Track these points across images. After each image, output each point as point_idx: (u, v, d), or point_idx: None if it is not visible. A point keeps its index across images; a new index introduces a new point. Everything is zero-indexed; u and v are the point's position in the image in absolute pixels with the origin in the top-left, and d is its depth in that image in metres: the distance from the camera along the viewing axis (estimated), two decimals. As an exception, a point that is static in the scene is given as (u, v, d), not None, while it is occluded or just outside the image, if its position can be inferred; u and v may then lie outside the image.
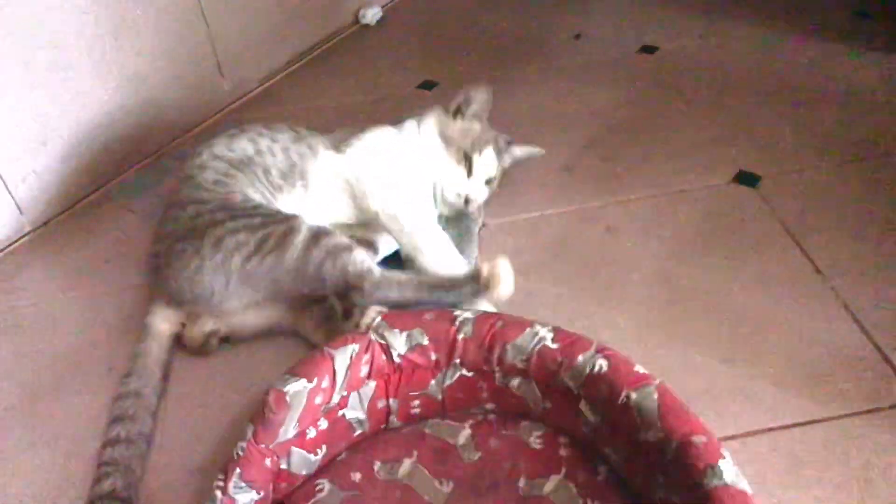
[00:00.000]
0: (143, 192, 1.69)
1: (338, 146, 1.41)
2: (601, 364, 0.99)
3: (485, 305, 1.19)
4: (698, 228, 1.43)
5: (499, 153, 1.47)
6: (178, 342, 1.28)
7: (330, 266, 1.17)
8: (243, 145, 1.37)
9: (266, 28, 2.03)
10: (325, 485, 1.01)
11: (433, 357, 1.06)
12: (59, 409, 1.22)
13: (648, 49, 2.08)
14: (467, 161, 1.42)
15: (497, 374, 1.06)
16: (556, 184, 1.59)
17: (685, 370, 1.15)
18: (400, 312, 1.12)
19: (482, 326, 1.06)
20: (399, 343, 1.06)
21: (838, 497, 0.96)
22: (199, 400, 1.21)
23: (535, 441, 1.04)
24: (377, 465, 1.03)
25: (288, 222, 1.21)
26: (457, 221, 1.45)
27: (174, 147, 1.85)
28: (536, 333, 1.04)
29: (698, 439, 0.88)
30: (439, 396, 1.08)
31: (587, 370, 0.99)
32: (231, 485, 0.91)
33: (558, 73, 2.02)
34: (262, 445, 0.94)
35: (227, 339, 1.28)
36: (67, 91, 1.59)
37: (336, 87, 2.08)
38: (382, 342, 1.06)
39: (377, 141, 1.42)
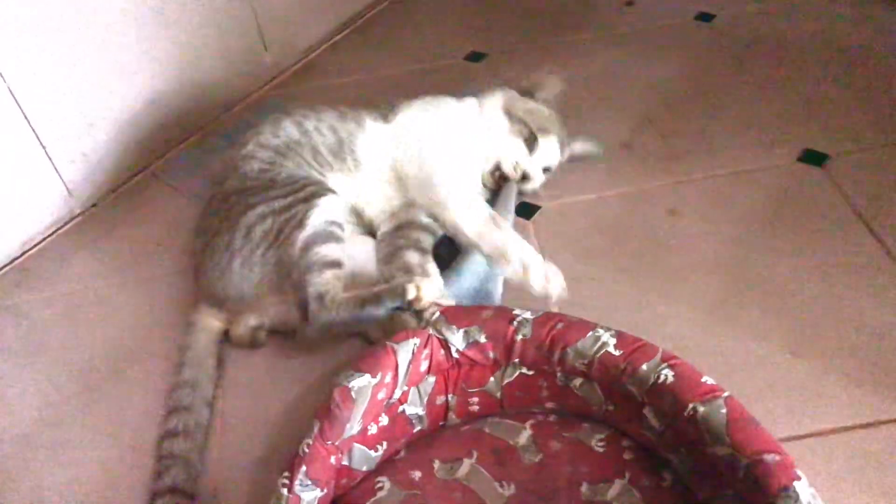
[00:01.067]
0: (188, 171, 1.69)
1: (386, 115, 1.41)
2: (666, 374, 0.96)
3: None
4: (763, 211, 1.39)
5: (562, 145, 1.45)
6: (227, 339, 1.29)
7: (304, 279, 1.18)
8: (288, 129, 1.37)
9: None
10: (385, 483, 1.01)
11: (491, 355, 1.06)
12: (116, 398, 1.25)
13: (705, 16, 2.00)
14: (532, 139, 1.40)
15: (558, 374, 1.05)
16: (615, 163, 1.56)
17: (749, 363, 1.13)
18: (458, 308, 1.11)
19: (541, 328, 1.04)
20: (457, 339, 1.06)
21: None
22: (255, 390, 1.23)
23: (597, 444, 1.03)
24: (436, 465, 1.03)
25: (307, 205, 1.23)
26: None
27: (218, 124, 1.84)
28: (598, 338, 1.01)
29: (770, 458, 0.85)
30: (498, 394, 1.08)
31: (651, 379, 0.96)
32: (297, 483, 0.91)
33: (609, 43, 1.96)
34: (329, 443, 0.95)
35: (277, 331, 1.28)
36: (113, 71, 1.59)
37: (379, 58, 2.05)
38: (441, 337, 1.06)
39: (430, 106, 1.43)
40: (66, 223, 1.61)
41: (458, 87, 1.55)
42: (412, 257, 1.26)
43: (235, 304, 1.25)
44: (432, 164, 1.33)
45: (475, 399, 1.08)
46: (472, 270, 1.26)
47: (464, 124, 1.41)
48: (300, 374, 1.22)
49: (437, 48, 2.05)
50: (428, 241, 1.31)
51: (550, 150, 1.42)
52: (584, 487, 0.98)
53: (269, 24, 1.90)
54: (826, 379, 1.09)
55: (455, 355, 1.06)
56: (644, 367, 0.97)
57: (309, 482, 0.92)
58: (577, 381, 1.04)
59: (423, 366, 1.05)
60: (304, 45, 2.05)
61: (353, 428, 0.98)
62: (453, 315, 1.08)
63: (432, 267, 1.26)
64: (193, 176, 1.65)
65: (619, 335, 1.01)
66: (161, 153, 1.74)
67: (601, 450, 1.02)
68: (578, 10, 2.14)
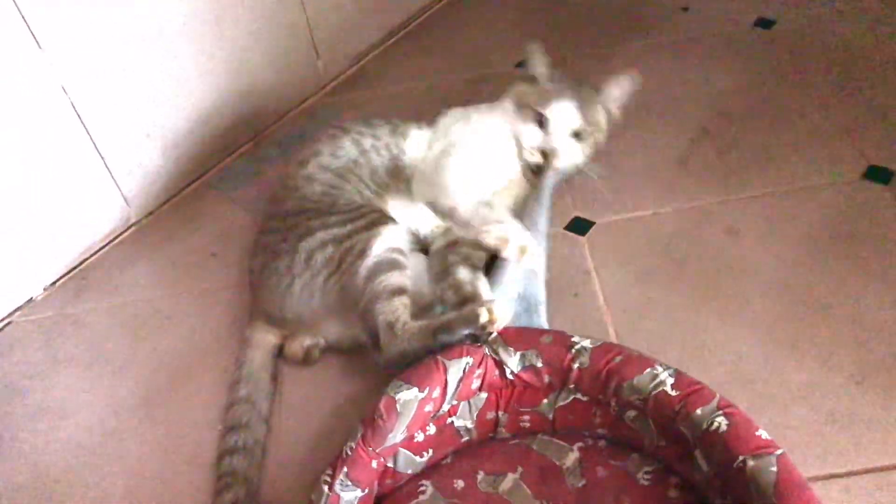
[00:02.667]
0: (242, 180, 1.75)
1: (431, 121, 1.46)
2: (720, 422, 0.96)
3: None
4: (826, 231, 1.37)
5: (582, 102, 1.38)
6: (281, 355, 1.34)
7: (370, 307, 1.20)
8: (347, 148, 1.40)
9: (360, 4, 2.03)
10: (427, 487, 1.06)
11: (546, 379, 1.09)
12: (173, 411, 1.30)
13: (765, 23, 1.95)
14: (539, 117, 1.36)
15: (612, 404, 1.07)
16: (668, 178, 1.55)
17: (811, 392, 1.12)
18: (517, 330, 1.14)
19: (599, 359, 1.06)
20: (513, 361, 1.09)
21: None
22: (310, 405, 1.27)
23: (643, 477, 1.04)
24: (480, 476, 1.06)
25: (369, 234, 1.25)
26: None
27: (271, 132, 1.89)
28: (656, 376, 1.02)
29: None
30: (550, 415, 1.11)
31: (704, 425, 0.97)
32: (337, 482, 0.96)
33: (663, 50, 1.93)
34: (370, 449, 0.99)
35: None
36: (170, 82, 1.64)
37: (430, 65, 2.06)
38: (496, 357, 1.09)
39: (467, 112, 1.45)
40: (123, 232, 1.67)
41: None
42: (463, 274, 1.28)
43: (292, 325, 1.30)
44: (445, 165, 1.36)
45: (526, 417, 1.11)
46: (512, 277, 1.28)
47: (494, 130, 1.42)
48: (354, 389, 1.27)
49: (488, 55, 2.06)
50: (478, 257, 1.33)
51: (565, 114, 1.36)
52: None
53: (321, 32, 1.94)
54: (893, 410, 1.08)
55: (510, 377, 1.09)
56: (699, 411, 0.97)
57: (349, 483, 0.97)
58: (631, 414, 1.06)
59: (476, 384, 1.08)
60: (356, 52, 2.08)
61: (397, 437, 1.02)
62: (511, 337, 1.11)
63: (483, 284, 1.27)
64: (247, 185, 1.70)
65: (678, 375, 1.02)
66: (215, 163, 1.80)
67: (647, 483, 1.04)
68: (631, 17, 2.10)
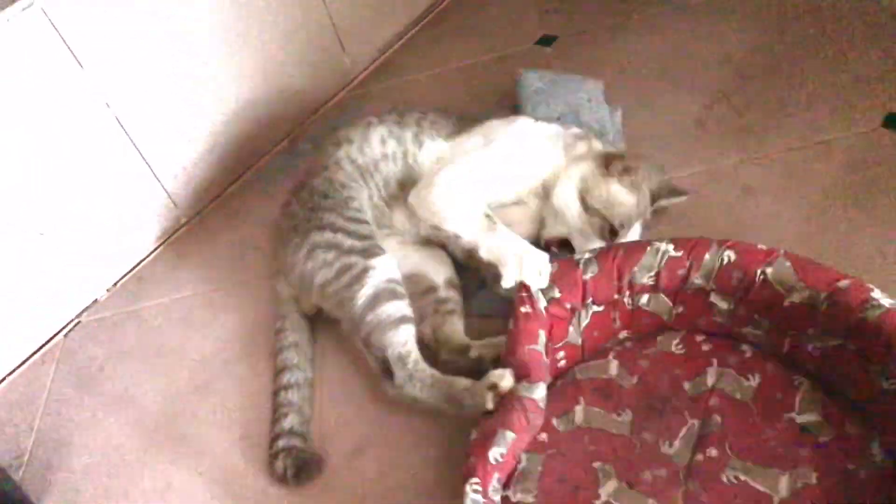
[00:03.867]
0: (280, 176, 1.87)
1: (450, 135, 1.47)
2: (728, 255, 1.12)
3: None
4: (843, 185, 1.40)
5: (646, 227, 1.38)
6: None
7: (377, 338, 1.26)
8: (374, 146, 1.48)
9: None
10: (521, 456, 1.12)
11: (568, 306, 1.19)
12: (225, 394, 1.44)
13: (778, -22, 1.97)
14: (610, 233, 1.32)
15: (627, 299, 1.19)
16: (687, 141, 1.60)
17: None
18: None
19: (605, 261, 1.18)
20: (541, 300, 1.18)
21: None
22: (350, 378, 1.39)
23: (676, 348, 1.19)
24: (555, 422, 1.16)
25: (366, 262, 1.30)
26: None
27: (304, 128, 2.02)
28: (658, 249, 1.16)
29: (844, 283, 1.03)
30: (579, 341, 1.21)
31: (717, 264, 1.12)
32: (490, 488, 0.99)
33: (679, 16, 1.99)
34: (518, 450, 1.05)
35: None
36: (205, 89, 1.79)
37: (454, 49, 2.16)
38: (545, 305, 1.18)
39: (501, 125, 1.45)
40: (174, 233, 1.83)
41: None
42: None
43: (299, 289, 1.42)
44: (442, 170, 1.39)
45: (561, 353, 1.21)
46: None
47: (523, 154, 1.40)
48: None
49: (509, 34, 2.14)
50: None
51: (631, 235, 1.34)
52: (686, 385, 1.14)
53: (346, 27, 2.06)
54: None
55: (543, 312, 1.17)
56: (707, 256, 1.13)
57: (498, 486, 1.02)
58: (645, 298, 1.19)
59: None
60: (381, 44, 2.20)
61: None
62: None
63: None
64: (284, 181, 1.81)
65: (675, 240, 1.16)
66: (254, 161, 1.93)
67: (682, 351, 1.19)
68: (649, -18, 2.15)
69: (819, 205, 1.37)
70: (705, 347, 1.17)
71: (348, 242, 1.34)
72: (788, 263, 1.07)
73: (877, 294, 1.00)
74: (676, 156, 1.56)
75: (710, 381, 1.12)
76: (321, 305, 1.39)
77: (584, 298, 1.18)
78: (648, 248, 1.16)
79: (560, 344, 1.20)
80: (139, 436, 1.40)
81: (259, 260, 1.66)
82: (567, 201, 1.35)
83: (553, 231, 1.38)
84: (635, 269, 1.16)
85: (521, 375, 1.08)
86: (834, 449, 1.01)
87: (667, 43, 1.88)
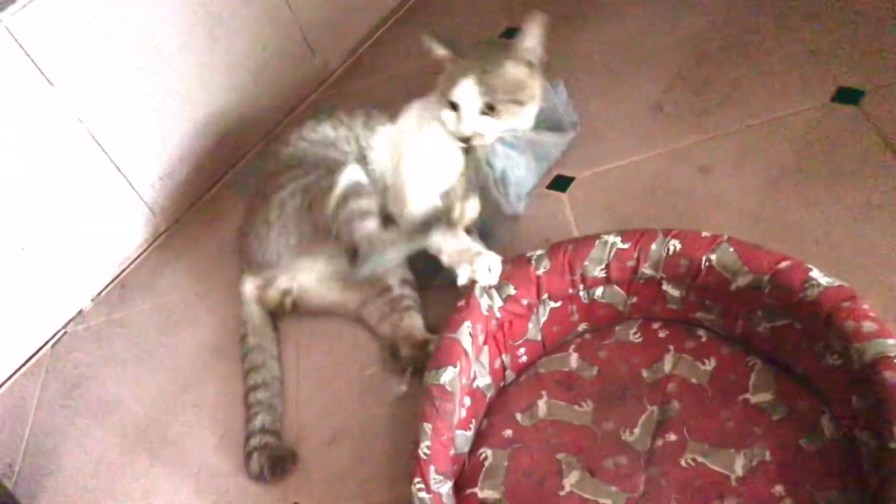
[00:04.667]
0: (254, 179, 1.81)
1: (392, 116, 1.50)
2: (674, 244, 1.12)
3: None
4: (796, 158, 1.38)
5: (487, 73, 1.33)
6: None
7: (345, 230, 1.30)
8: (326, 129, 1.50)
9: None
10: (486, 452, 1.14)
11: (525, 302, 1.19)
12: (207, 394, 1.45)
13: (732, -44, 1.93)
14: (451, 104, 1.36)
15: (582, 293, 1.19)
16: (645, 125, 1.58)
17: None
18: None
19: (556, 255, 1.18)
20: (496, 299, 1.19)
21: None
22: (327, 373, 1.40)
23: (634, 337, 1.19)
24: (519, 417, 1.16)
25: (332, 175, 1.34)
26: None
27: (279, 131, 1.99)
28: (606, 242, 1.16)
29: (784, 265, 1.03)
30: (539, 337, 1.22)
31: (663, 254, 1.13)
32: (431, 482, 1.00)
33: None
34: (444, 437, 1.04)
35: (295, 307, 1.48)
36: (176, 98, 1.78)
37: (422, 46, 2.08)
38: (490, 304, 1.18)
39: (421, 108, 1.47)
40: (154, 240, 1.83)
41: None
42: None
43: (271, 269, 1.43)
44: (406, 175, 1.41)
45: (522, 350, 1.22)
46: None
47: (431, 124, 1.44)
48: (364, 357, 1.38)
49: (476, 27, 2.11)
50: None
51: (466, 95, 1.33)
52: (644, 373, 1.14)
53: (314, 29, 2.04)
54: None
55: (498, 315, 1.18)
56: (654, 246, 1.13)
57: (440, 477, 1.02)
58: (599, 291, 1.19)
59: (481, 339, 1.17)
60: (351, 44, 2.18)
61: (456, 416, 1.09)
62: None
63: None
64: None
65: (622, 233, 1.16)
66: (230, 166, 1.92)
67: (639, 339, 1.19)
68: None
69: (773, 181, 1.36)
70: (662, 334, 1.18)
71: (312, 176, 1.37)
72: (731, 249, 1.08)
73: (815, 273, 1.01)
74: (636, 140, 1.55)
75: (667, 367, 1.13)
76: (297, 257, 1.39)
77: (539, 294, 1.19)
78: (597, 242, 1.17)
79: (520, 340, 1.20)
80: (126, 440, 1.41)
81: (237, 262, 1.64)
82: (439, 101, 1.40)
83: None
84: (586, 262, 1.17)
85: (434, 363, 1.09)
86: (786, 425, 1.01)
87: (625, 29, 1.85)
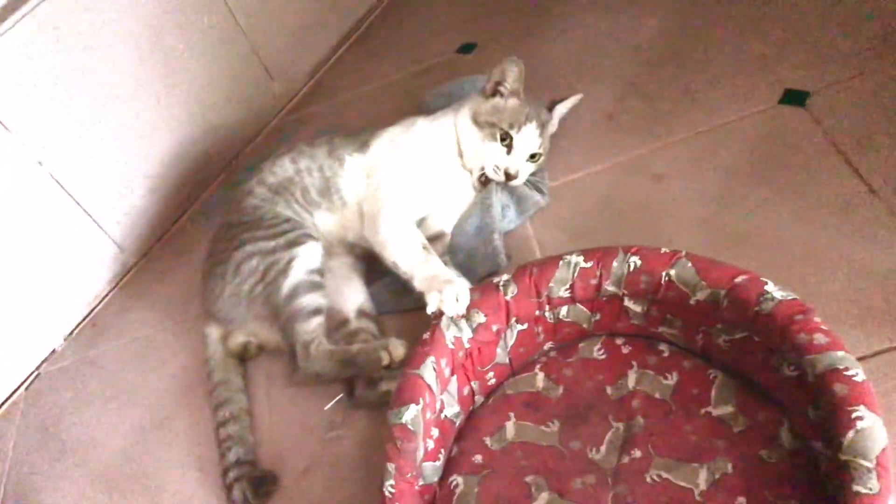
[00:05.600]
0: (222, 209, 1.76)
1: (363, 144, 1.48)
2: (634, 261, 1.10)
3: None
4: (745, 162, 1.37)
5: (542, 127, 1.44)
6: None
7: (289, 326, 1.30)
8: (286, 166, 1.48)
9: (304, 22, 2.12)
10: (457, 479, 1.11)
11: (494, 328, 1.17)
12: (181, 429, 1.40)
13: (684, -37, 1.92)
14: (506, 138, 1.41)
15: (548, 314, 1.17)
16: (599, 135, 1.57)
17: None
18: None
19: (522, 279, 1.16)
20: (466, 330, 1.16)
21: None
22: (299, 403, 1.35)
23: (598, 354, 1.17)
24: (488, 441, 1.14)
25: (290, 253, 1.32)
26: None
27: (241, 160, 1.97)
28: (570, 262, 1.14)
29: (741, 279, 1.02)
30: (507, 360, 1.19)
31: (624, 271, 1.11)
32: None
33: (594, 9, 1.94)
34: (408, 475, 1.02)
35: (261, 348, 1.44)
36: (135, 135, 1.74)
37: (381, 65, 2.12)
38: (458, 336, 1.14)
39: (400, 135, 1.47)
40: (123, 276, 1.79)
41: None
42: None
43: (227, 324, 1.41)
44: (383, 202, 1.38)
45: (491, 374, 1.19)
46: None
47: (434, 147, 1.45)
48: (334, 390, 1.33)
49: (431, 46, 2.12)
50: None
51: (530, 139, 1.41)
52: (609, 390, 1.12)
53: (271, 56, 2.02)
54: None
55: (467, 345, 1.15)
56: (615, 264, 1.12)
57: None
58: (564, 310, 1.17)
59: (447, 372, 1.14)
60: (309, 68, 2.16)
61: (420, 453, 1.06)
62: None
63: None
64: (223, 212, 1.73)
65: (584, 252, 1.15)
66: (195, 198, 1.89)
67: (603, 356, 1.17)
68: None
69: (724, 186, 1.35)
70: (625, 350, 1.17)
71: (271, 244, 1.34)
72: (690, 264, 1.07)
73: (770, 287, 1.00)
74: (591, 152, 1.53)
75: (631, 383, 1.12)
76: (252, 319, 1.36)
77: (508, 319, 1.17)
78: (560, 262, 1.15)
79: (489, 366, 1.18)
80: (104, 479, 1.37)
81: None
82: (467, 128, 1.43)
83: (469, 164, 1.45)
84: (551, 284, 1.15)
85: (397, 402, 1.06)
86: (747, 438, 1.00)
87: (578, 40, 1.84)
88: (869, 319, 1.07)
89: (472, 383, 1.17)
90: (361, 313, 1.38)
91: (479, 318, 1.15)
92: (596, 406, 1.11)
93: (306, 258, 1.33)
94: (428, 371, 1.09)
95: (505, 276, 1.17)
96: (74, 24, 1.55)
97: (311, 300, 1.31)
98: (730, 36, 1.64)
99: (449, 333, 1.13)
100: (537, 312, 1.16)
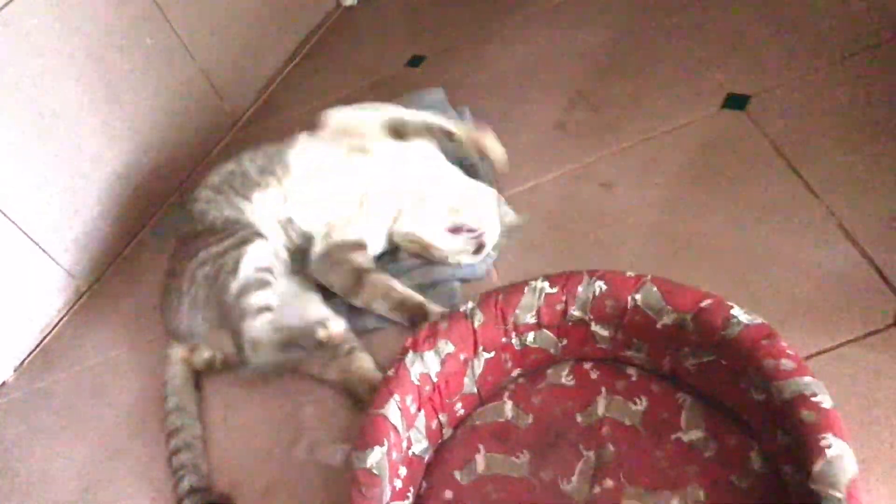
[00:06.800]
0: (171, 231, 1.63)
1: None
2: (599, 286, 1.02)
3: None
4: (691, 167, 1.30)
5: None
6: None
7: (238, 324, 1.21)
8: (227, 165, 1.38)
9: (250, 39, 1.99)
10: None
11: (462, 358, 1.07)
12: (138, 456, 1.27)
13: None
14: (478, 243, 1.28)
15: (514, 340, 1.08)
16: (549, 146, 1.49)
17: None
18: (423, 335, 1.06)
19: (488, 307, 1.07)
20: (433, 363, 1.04)
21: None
22: (253, 424, 1.25)
23: (566, 379, 1.09)
24: (458, 475, 1.04)
25: (238, 252, 1.23)
26: None
27: (192, 180, 1.80)
28: (535, 287, 1.06)
29: (706, 303, 0.95)
30: (475, 389, 1.10)
31: (589, 295, 1.03)
32: None
33: (541, 20, 1.86)
34: None
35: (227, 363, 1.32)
36: (84, 159, 1.60)
37: (331, 80, 2.01)
38: (424, 371, 1.03)
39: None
40: (75, 302, 1.65)
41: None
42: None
43: (190, 340, 1.31)
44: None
45: (459, 405, 1.10)
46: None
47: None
48: (290, 407, 1.23)
49: (381, 59, 2.02)
50: (362, 259, 1.29)
51: (492, 240, 1.28)
52: (578, 418, 1.04)
53: (219, 74, 1.90)
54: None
55: (435, 379, 1.05)
56: (580, 289, 1.04)
57: None
58: (531, 336, 1.08)
59: (413, 408, 1.04)
60: (259, 85, 2.04)
61: (386, 496, 0.95)
62: (420, 343, 1.05)
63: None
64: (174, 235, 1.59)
65: (549, 277, 1.07)
66: (146, 220, 1.74)
67: (572, 382, 1.08)
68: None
69: (671, 191, 1.28)
70: (594, 375, 1.08)
71: (223, 245, 1.25)
72: (655, 289, 0.99)
73: (736, 311, 0.93)
74: (540, 161, 1.45)
75: (600, 410, 1.03)
76: (211, 329, 1.24)
77: (475, 348, 1.07)
78: (526, 289, 1.06)
79: (456, 396, 1.08)
80: None
81: (160, 318, 1.45)
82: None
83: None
84: (517, 310, 1.06)
85: (361, 444, 0.95)
86: (718, 462, 0.93)
87: (525, 52, 1.77)
88: (811, 319, 1.02)
89: (440, 416, 1.07)
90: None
91: (448, 348, 1.05)
92: (566, 434, 1.02)
93: (254, 255, 1.25)
94: (392, 410, 0.98)
95: (470, 304, 1.08)
96: (14, 47, 1.41)
97: (258, 298, 1.22)
98: (673, 43, 1.58)
99: (414, 370, 1.03)
100: (504, 340, 1.08)
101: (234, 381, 1.30)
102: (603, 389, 1.05)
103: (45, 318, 1.57)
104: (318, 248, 1.31)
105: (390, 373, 1.03)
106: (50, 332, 1.58)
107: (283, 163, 1.34)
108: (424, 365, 1.03)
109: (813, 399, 0.82)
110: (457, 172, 1.37)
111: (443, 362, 1.05)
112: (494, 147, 1.34)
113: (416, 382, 1.03)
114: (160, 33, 1.70)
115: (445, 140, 1.38)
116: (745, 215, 1.19)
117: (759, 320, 0.92)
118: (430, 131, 1.38)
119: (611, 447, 0.98)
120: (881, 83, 1.28)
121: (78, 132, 1.56)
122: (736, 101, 1.37)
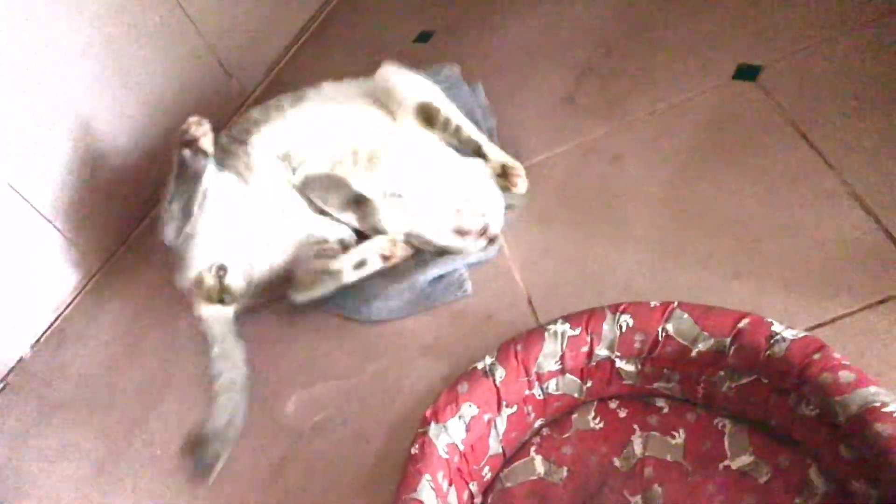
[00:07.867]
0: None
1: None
2: (626, 320, 0.89)
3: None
4: (702, 139, 1.17)
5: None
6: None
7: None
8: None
9: (259, 17, 1.78)
10: None
11: (486, 419, 0.91)
12: (157, 430, 1.25)
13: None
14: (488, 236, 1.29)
15: (536, 391, 0.92)
16: (558, 119, 1.33)
17: (697, 293, 0.97)
18: (443, 402, 0.96)
19: (508, 359, 0.93)
20: (458, 431, 0.91)
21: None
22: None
23: (595, 423, 0.93)
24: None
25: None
26: None
27: None
28: (556, 332, 0.92)
29: (744, 323, 0.83)
30: (500, 449, 0.94)
31: (616, 333, 0.89)
32: None
33: None
34: None
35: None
36: (95, 137, 1.49)
37: (339, 58, 1.84)
38: (450, 442, 0.91)
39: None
40: (89, 280, 1.51)
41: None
42: None
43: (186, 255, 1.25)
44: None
45: (486, 468, 0.94)
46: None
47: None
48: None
49: (389, 35, 1.80)
50: None
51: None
52: (616, 462, 0.89)
53: (227, 53, 1.69)
54: (767, 296, 0.96)
55: (461, 447, 0.90)
56: (605, 326, 0.90)
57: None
58: (553, 384, 0.93)
59: (444, 485, 0.91)
60: (267, 63, 1.84)
61: None
62: (441, 412, 0.93)
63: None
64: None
65: (569, 317, 0.92)
66: (155, 202, 1.66)
67: (601, 426, 0.93)
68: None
69: (681, 164, 1.16)
70: (622, 414, 0.92)
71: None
72: (686, 315, 0.86)
73: (777, 328, 0.81)
74: (550, 134, 1.31)
75: (637, 450, 0.88)
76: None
77: (499, 406, 0.91)
78: (546, 335, 0.91)
79: (483, 461, 0.92)
80: (82, 483, 1.19)
81: (173, 294, 1.44)
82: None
83: None
84: (539, 359, 0.90)
85: None
86: (776, 487, 0.79)
87: (534, 26, 1.56)
88: (826, 287, 0.94)
89: (470, 485, 0.91)
90: (340, 242, 1.26)
91: (472, 410, 0.90)
92: (607, 482, 0.86)
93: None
94: (426, 492, 0.83)
95: (489, 359, 0.93)
96: (23, 26, 1.35)
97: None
98: (683, 14, 1.41)
99: (440, 442, 0.87)
100: (526, 392, 0.92)
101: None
102: (636, 427, 0.89)
103: (60, 297, 1.46)
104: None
105: (414, 450, 0.87)
106: (65, 309, 1.47)
107: (301, 98, 1.33)
108: (449, 435, 0.87)
109: (884, 410, 0.72)
110: (456, 158, 1.27)
111: (468, 428, 0.88)
112: (521, 185, 1.23)
113: (445, 456, 0.86)
114: (168, 11, 1.56)
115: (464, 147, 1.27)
116: (757, 185, 1.07)
117: (802, 334, 0.79)
118: (457, 135, 1.27)
119: (657, 488, 0.83)
120: (894, 51, 1.17)
121: (90, 109, 1.44)
122: (747, 72, 1.23)
